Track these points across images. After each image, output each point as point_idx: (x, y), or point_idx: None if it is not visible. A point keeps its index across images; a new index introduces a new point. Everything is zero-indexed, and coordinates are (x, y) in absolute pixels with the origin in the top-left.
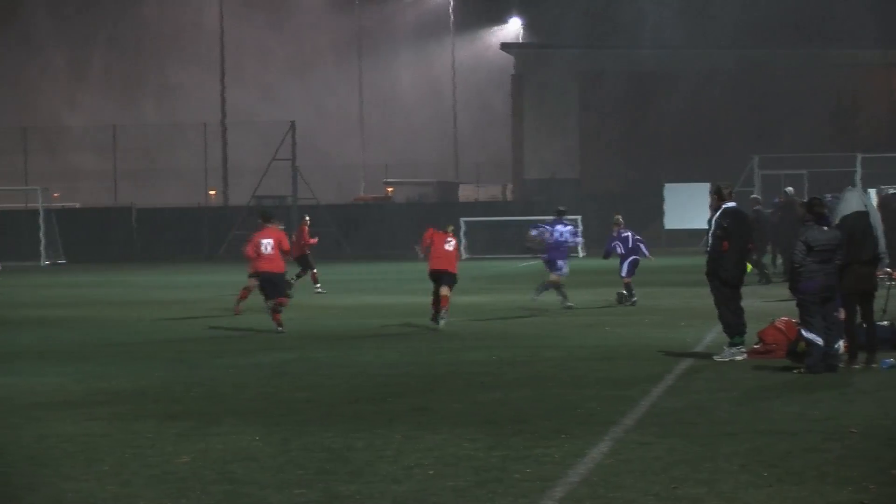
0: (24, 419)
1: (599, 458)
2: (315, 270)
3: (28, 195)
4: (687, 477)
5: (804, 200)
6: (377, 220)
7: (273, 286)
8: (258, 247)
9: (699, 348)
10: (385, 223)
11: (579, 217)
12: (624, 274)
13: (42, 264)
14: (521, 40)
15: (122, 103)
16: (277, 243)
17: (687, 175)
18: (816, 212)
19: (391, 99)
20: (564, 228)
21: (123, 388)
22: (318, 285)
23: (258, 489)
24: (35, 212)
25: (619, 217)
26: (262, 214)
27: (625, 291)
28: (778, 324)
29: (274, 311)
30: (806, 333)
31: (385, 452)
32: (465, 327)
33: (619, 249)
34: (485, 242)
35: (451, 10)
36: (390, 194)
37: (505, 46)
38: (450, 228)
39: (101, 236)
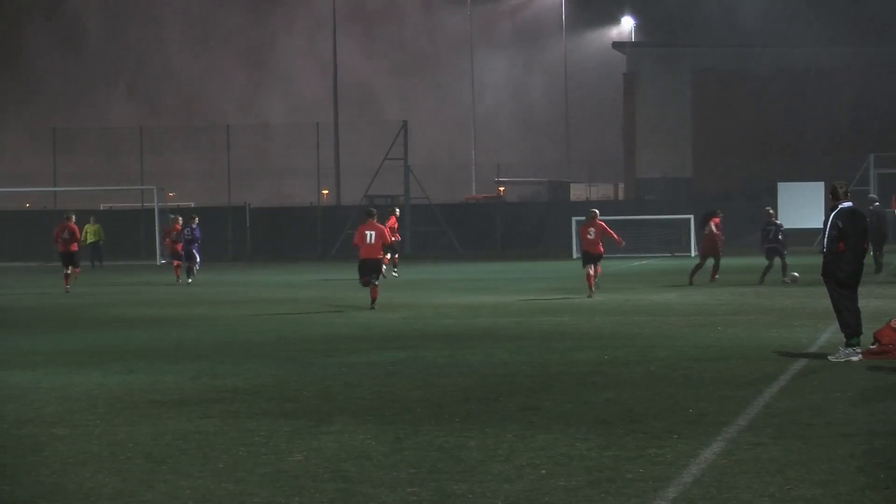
0: (140, 416)
1: (712, 459)
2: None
3: (144, 194)
4: (802, 478)
5: None
6: (489, 219)
7: (370, 269)
8: (363, 237)
9: (813, 348)
10: (497, 222)
11: (691, 216)
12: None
13: (157, 263)
14: (633, 39)
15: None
16: (379, 235)
17: (801, 174)
18: None
19: (503, 98)
20: None
21: (237, 387)
22: (395, 269)
23: (371, 487)
24: (151, 211)
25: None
26: (367, 211)
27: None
28: (894, 323)
29: (371, 286)
30: None
31: (497, 451)
32: (576, 327)
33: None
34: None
35: (564, 9)
36: (502, 193)
37: (617, 45)
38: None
39: (215, 235)
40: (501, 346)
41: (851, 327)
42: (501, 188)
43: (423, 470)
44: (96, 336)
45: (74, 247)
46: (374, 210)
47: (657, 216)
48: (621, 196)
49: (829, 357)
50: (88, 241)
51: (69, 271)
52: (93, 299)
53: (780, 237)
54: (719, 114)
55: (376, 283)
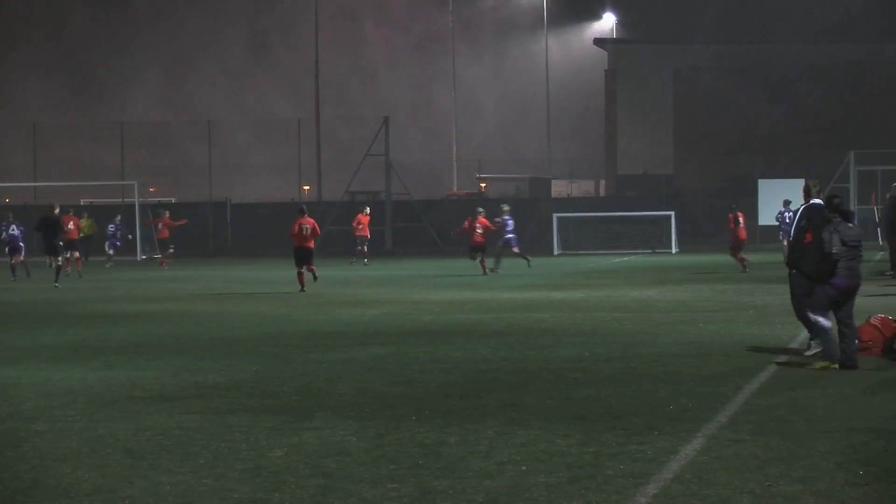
0: (120, 412)
1: (693, 455)
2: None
3: (125, 189)
4: (782, 475)
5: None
6: (470, 214)
7: (304, 257)
8: (299, 229)
9: (794, 345)
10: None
11: (672, 213)
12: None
13: (138, 259)
14: (615, 35)
15: (221, 98)
16: (312, 228)
17: (781, 171)
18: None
19: (484, 94)
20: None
21: (218, 382)
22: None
23: (351, 483)
24: (131, 206)
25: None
26: (299, 209)
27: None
28: (874, 321)
29: (300, 275)
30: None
31: (478, 448)
32: (557, 323)
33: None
34: (577, 238)
35: (545, 5)
36: (483, 190)
37: (599, 42)
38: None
39: (195, 231)
40: (482, 343)
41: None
42: (483, 184)
43: (403, 466)
44: (76, 331)
45: (73, 234)
46: (305, 207)
47: (638, 212)
48: (602, 192)
49: (805, 353)
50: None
51: (70, 256)
52: (73, 294)
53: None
54: (700, 110)
55: (304, 269)
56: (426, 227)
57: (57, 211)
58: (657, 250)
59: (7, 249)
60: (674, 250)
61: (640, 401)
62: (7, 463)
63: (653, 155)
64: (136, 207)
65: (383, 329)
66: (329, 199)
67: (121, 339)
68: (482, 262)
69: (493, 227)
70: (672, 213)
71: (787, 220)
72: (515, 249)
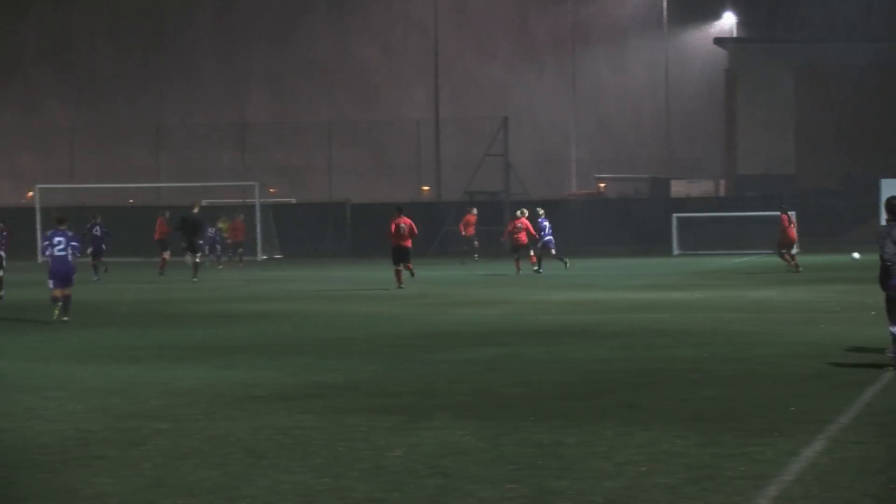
0: (240, 411)
1: (814, 457)
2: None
3: (245, 190)
4: None
5: None
6: (589, 215)
7: (400, 256)
8: (396, 228)
9: None
10: (597, 219)
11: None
12: None
13: (258, 259)
14: (735, 35)
15: (341, 99)
16: (409, 228)
17: None
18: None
19: (604, 94)
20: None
21: (337, 382)
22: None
23: (470, 483)
24: (252, 207)
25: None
26: (397, 207)
27: None
28: None
29: (398, 273)
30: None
31: (596, 448)
32: (676, 324)
33: None
34: (697, 238)
35: (665, 4)
36: (602, 190)
37: (719, 41)
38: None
39: (316, 231)
40: (601, 343)
41: None
42: (602, 184)
43: (522, 466)
44: (198, 331)
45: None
46: (402, 207)
47: (758, 213)
48: (722, 193)
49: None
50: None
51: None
52: (195, 294)
53: None
54: (821, 109)
55: (402, 267)
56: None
57: (197, 210)
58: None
59: (90, 251)
60: (794, 251)
61: (759, 402)
62: (130, 461)
63: (773, 154)
64: (257, 208)
65: (501, 329)
66: (448, 199)
67: (241, 339)
68: (517, 261)
69: (533, 231)
70: (793, 213)
71: None
72: (553, 251)
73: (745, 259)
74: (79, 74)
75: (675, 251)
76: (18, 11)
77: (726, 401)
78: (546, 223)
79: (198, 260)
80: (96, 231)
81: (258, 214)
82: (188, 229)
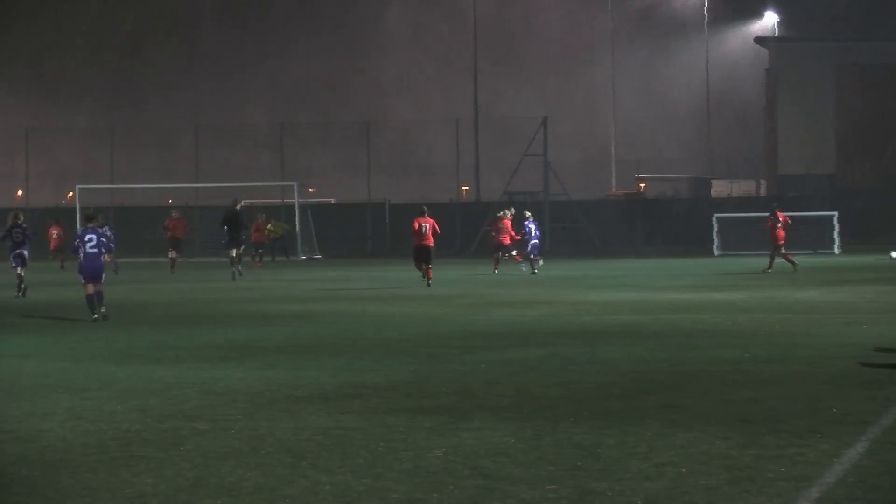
0: (281, 412)
1: (856, 459)
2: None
3: (284, 190)
4: None
5: None
6: (629, 215)
7: (422, 255)
8: (419, 228)
9: None
10: (637, 219)
11: (834, 213)
12: None
13: (298, 259)
14: (776, 34)
15: (379, 97)
16: (431, 227)
17: None
18: None
19: (643, 93)
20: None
21: (376, 383)
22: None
23: (510, 484)
24: (291, 207)
25: None
26: (420, 209)
27: None
28: None
29: (428, 270)
30: None
31: (636, 449)
32: (717, 325)
33: None
34: (738, 238)
35: (706, 4)
36: (642, 190)
37: (760, 40)
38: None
39: (355, 231)
40: (641, 344)
41: None
42: (642, 184)
43: (562, 467)
44: (237, 331)
45: (178, 234)
46: (426, 207)
47: (799, 213)
48: (763, 192)
49: None
50: (269, 237)
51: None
52: (234, 294)
53: None
54: (864, 108)
55: (429, 266)
56: (585, 227)
57: (239, 207)
58: (819, 251)
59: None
60: (836, 251)
61: (801, 403)
62: (170, 461)
63: (814, 154)
64: (296, 208)
65: (541, 330)
66: (487, 199)
67: (280, 339)
68: (497, 259)
69: (513, 233)
70: (834, 213)
71: None
72: (532, 255)
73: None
74: (116, 73)
75: (716, 251)
76: (57, 9)
77: (767, 402)
78: (532, 225)
79: (240, 253)
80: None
81: (297, 215)
82: (231, 225)
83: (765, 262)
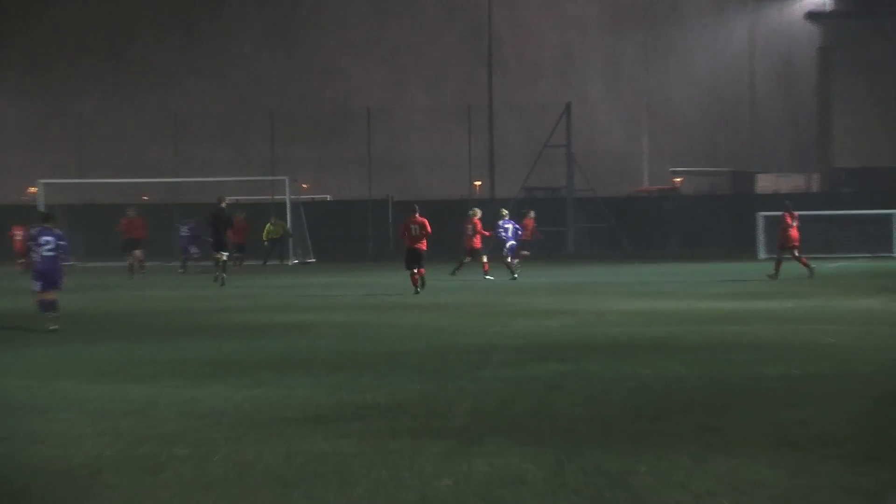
0: (270, 435)
1: None
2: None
3: (274, 186)
4: None
5: None
6: (662, 214)
7: (414, 258)
8: (408, 230)
9: None
10: (671, 218)
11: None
12: None
13: (289, 263)
14: (830, 8)
15: (382, 83)
16: (421, 227)
17: None
18: None
19: (680, 77)
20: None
21: (378, 402)
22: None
23: None
24: (282, 205)
25: None
26: (411, 207)
27: None
28: None
29: (413, 276)
30: None
31: (671, 477)
32: (762, 337)
33: None
34: None
35: None
36: (678, 185)
37: (812, 16)
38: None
39: (353, 231)
40: (676, 358)
41: None
42: (677, 179)
43: (586, 497)
44: (222, 344)
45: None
46: (417, 206)
47: (856, 211)
48: (814, 188)
49: None
50: (268, 237)
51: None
52: (219, 303)
53: None
54: None
55: (416, 270)
56: (612, 227)
57: (224, 205)
58: (878, 255)
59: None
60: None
61: (857, 426)
62: (146, 490)
63: (872, 145)
64: (287, 205)
65: (563, 343)
66: (503, 195)
67: (271, 354)
68: (461, 264)
69: (481, 231)
70: (894, 211)
71: None
72: (508, 258)
73: (840, 264)
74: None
75: (761, 254)
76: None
77: (818, 424)
78: (508, 225)
79: (225, 258)
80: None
81: (289, 212)
82: (217, 225)
83: (814, 265)
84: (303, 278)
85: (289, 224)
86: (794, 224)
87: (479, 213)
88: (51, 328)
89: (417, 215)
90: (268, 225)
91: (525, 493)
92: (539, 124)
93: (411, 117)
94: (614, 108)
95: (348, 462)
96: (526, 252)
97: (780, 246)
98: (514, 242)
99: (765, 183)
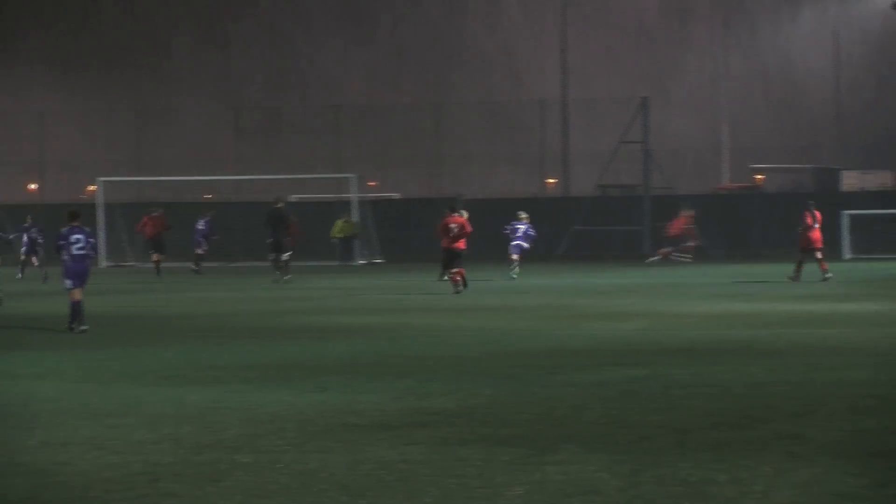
0: (335, 442)
1: None
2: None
3: (340, 183)
4: None
5: None
6: (743, 212)
7: (451, 259)
8: (447, 229)
9: None
10: (753, 216)
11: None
12: None
13: (355, 264)
14: None
15: (449, 78)
16: (461, 228)
17: None
18: None
19: (760, 70)
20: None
21: (447, 408)
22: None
23: None
24: (348, 203)
25: None
26: (450, 206)
27: None
28: None
29: (453, 276)
30: None
31: (752, 488)
32: (847, 341)
33: None
34: (873, 239)
35: None
36: (759, 182)
37: None
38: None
39: (420, 231)
40: (757, 363)
41: None
42: (759, 176)
43: None
44: (285, 348)
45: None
46: (455, 204)
47: None
48: None
49: None
50: (343, 234)
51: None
52: (282, 305)
53: None
54: None
55: (456, 270)
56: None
57: (282, 205)
58: None
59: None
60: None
61: None
62: (206, 499)
63: None
64: (355, 204)
65: (639, 346)
66: (577, 194)
67: (335, 358)
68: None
69: (467, 229)
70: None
71: None
72: (514, 256)
73: None
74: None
75: (847, 255)
76: None
77: None
78: (521, 226)
79: (285, 258)
80: (33, 233)
81: (356, 211)
82: (274, 226)
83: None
84: (370, 280)
85: (358, 222)
86: (816, 225)
87: (465, 214)
88: (84, 328)
89: (455, 214)
90: (339, 221)
91: (599, 502)
92: (615, 119)
93: (480, 112)
94: (694, 104)
95: (416, 470)
96: (691, 243)
97: (802, 248)
98: (520, 243)
99: (850, 180)
